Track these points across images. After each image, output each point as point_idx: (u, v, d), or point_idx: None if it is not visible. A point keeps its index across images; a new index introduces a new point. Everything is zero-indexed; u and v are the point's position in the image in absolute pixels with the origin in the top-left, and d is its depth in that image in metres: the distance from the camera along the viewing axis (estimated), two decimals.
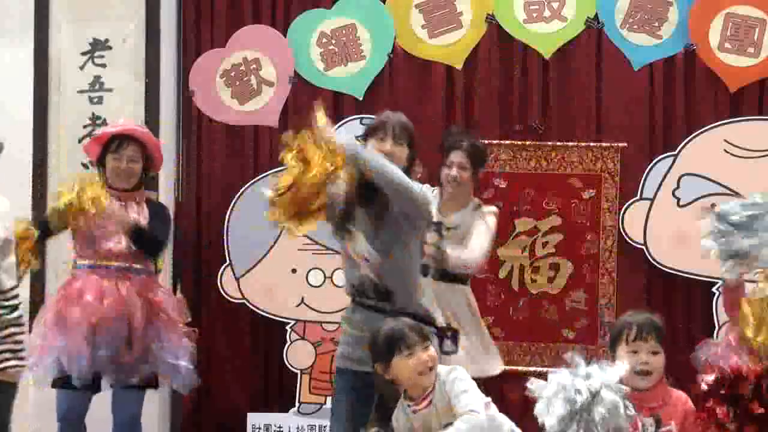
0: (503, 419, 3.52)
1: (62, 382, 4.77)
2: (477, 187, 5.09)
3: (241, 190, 5.90)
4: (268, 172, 5.90)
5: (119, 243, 4.82)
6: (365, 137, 3.96)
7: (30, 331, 4.83)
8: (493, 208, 4.98)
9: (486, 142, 5.75)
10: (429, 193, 3.95)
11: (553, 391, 3.32)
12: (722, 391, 3.44)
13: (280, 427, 5.87)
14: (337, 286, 5.76)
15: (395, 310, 3.78)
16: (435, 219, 4.33)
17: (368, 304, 3.92)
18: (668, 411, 3.55)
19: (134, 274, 4.84)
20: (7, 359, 3.99)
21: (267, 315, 5.93)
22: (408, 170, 3.91)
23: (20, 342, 4.07)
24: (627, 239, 5.75)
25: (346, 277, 3.98)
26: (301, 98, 5.93)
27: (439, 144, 5.01)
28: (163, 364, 4.82)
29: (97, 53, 5.81)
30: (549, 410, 3.30)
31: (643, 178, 5.74)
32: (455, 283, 4.78)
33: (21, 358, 4.06)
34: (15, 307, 4.03)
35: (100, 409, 4.92)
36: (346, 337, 4.02)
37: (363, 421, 3.85)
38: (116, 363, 4.75)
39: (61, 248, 5.25)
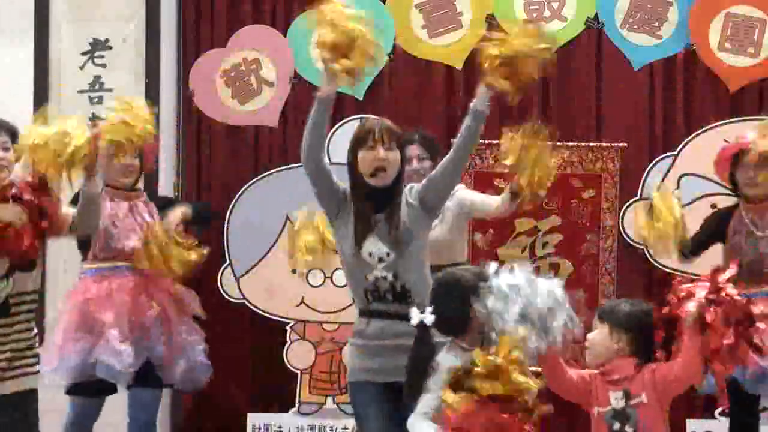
0: None
1: (77, 388, 4.70)
2: None
3: (241, 190, 5.90)
4: (268, 172, 5.92)
5: (138, 241, 4.76)
6: (353, 150, 3.90)
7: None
8: (461, 186, 4.92)
9: (486, 142, 5.76)
10: None
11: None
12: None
13: (280, 427, 5.87)
14: (337, 286, 5.76)
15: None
16: None
17: (383, 310, 3.83)
18: (637, 382, 3.55)
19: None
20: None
21: (267, 315, 5.93)
22: (401, 172, 3.91)
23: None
24: (627, 239, 5.75)
25: (356, 283, 3.88)
26: (301, 98, 5.93)
27: None
28: (192, 361, 4.81)
29: (97, 53, 5.81)
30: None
31: (643, 178, 5.74)
32: None
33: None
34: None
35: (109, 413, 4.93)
36: (360, 349, 3.90)
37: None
38: (159, 361, 4.71)
39: (61, 250, 5.23)
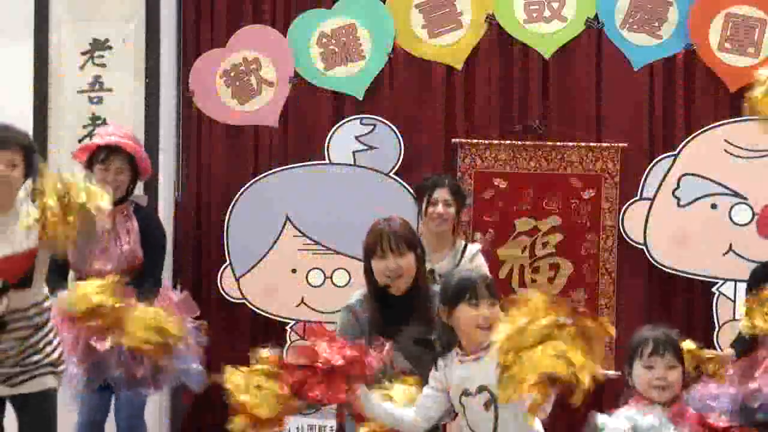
0: None
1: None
2: (458, 226, 5.00)
3: (241, 190, 5.90)
4: (268, 172, 5.91)
5: (107, 264, 4.71)
6: (366, 259, 3.85)
7: None
8: (479, 246, 4.99)
9: (486, 142, 5.77)
10: None
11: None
12: None
13: None
14: (337, 286, 5.76)
15: None
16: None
17: None
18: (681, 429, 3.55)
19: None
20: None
21: (267, 315, 5.93)
22: (420, 271, 3.83)
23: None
24: (627, 239, 5.75)
25: None
26: (301, 98, 5.94)
27: (416, 190, 5.04)
28: (175, 370, 4.77)
29: (97, 53, 5.81)
30: None
31: (643, 178, 5.75)
32: None
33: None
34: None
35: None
36: None
37: None
38: (131, 380, 4.59)
39: None
